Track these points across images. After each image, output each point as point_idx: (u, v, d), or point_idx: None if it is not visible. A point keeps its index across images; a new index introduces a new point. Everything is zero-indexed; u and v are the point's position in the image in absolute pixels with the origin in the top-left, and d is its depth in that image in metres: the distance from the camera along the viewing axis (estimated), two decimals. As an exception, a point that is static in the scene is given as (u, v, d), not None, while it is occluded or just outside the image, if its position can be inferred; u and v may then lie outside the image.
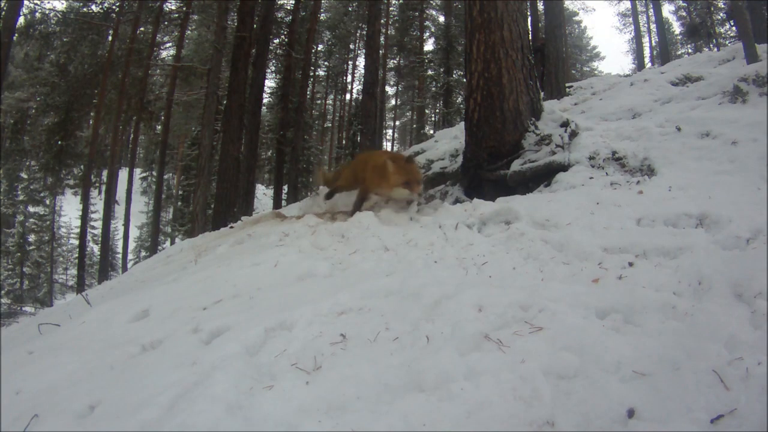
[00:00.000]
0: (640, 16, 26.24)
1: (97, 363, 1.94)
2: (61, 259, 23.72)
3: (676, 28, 26.50)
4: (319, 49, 27.95)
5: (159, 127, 21.50)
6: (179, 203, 24.26)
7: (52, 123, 20.53)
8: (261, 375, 1.61)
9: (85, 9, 18.57)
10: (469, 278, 2.24)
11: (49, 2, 20.82)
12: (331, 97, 32.28)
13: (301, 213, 4.59)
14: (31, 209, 22.24)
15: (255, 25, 13.45)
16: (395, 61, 27.62)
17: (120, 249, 21.36)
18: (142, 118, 20.48)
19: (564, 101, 7.38)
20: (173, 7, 19.40)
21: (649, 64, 22.60)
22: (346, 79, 31.07)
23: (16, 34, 14.16)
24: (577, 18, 31.85)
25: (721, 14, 22.10)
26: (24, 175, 21.91)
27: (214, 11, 15.95)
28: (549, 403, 1.29)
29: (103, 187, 21.04)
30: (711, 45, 22.36)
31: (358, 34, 28.03)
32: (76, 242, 20.45)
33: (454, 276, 2.27)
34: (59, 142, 20.42)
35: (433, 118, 29.94)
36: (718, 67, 6.77)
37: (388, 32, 25.22)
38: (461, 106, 22.44)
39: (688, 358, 1.38)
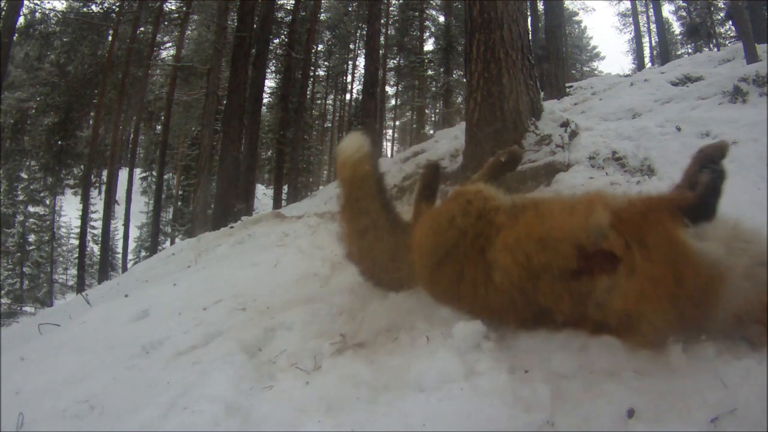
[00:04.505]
0: (640, 16, 26.25)
1: (97, 363, 1.94)
2: (61, 259, 23.70)
3: (676, 28, 26.49)
4: (319, 49, 27.94)
5: (159, 127, 21.52)
6: (179, 203, 24.26)
7: (52, 123, 20.53)
8: (261, 375, 1.61)
9: (85, 9, 18.58)
10: (469, 278, 2.24)
11: (49, 2, 20.83)
12: (331, 97, 32.26)
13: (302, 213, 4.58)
14: (31, 209, 22.22)
15: (255, 25, 13.43)
16: (395, 61, 27.61)
17: (120, 249, 21.34)
18: (142, 118, 20.50)
19: (564, 101, 7.37)
20: (173, 7, 19.40)
21: (649, 64, 22.59)
22: (346, 79, 31.06)
23: (16, 34, 14.15)
24: (577, 18, 31.81)
25: (721, 14, 22.09)
26: (24, 175, 21.89)
27: (214, 11, 15.97)
28: (549, 404, 1.28)
29: (103, 187, 21.04)
30: (711, 45, 22.35)
31: (358, 34, 28.00)
32: (76, 242, 20.43)
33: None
34: (59, 142, 20.42)
35: (433, 118, 29.93)
36: (718, 67, 6.77)
37: (388, 32, 25.21)
38: (461, 106, 22.44)
39: (688, 357, 1.38)
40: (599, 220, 1.40)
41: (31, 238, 22.24)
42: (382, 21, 18.90)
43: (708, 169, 1.43)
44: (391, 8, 25.70)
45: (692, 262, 1.27)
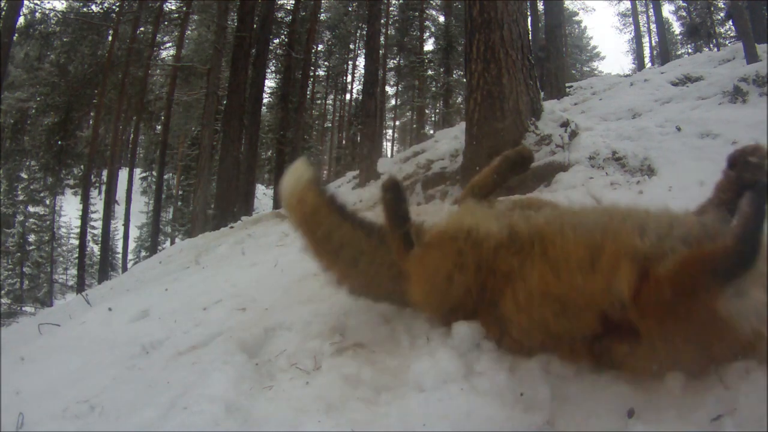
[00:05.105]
0: (640, 16, 26.27)
1: (97, 363, 1.94)
2: (61, 259, 23.72)
3: (676, 28, 26.52)
4: (319, 49, 27.95)
5: (159, 127, 21.54)
6: (179, 203, 24.29)
7: (52, 123, 20.54)
8: (261, 375, 1.61)
9: (85, 9, 18.60)
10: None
11: (49, 2, 20.83)
12: (331, 97, 32.27)
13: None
14: (31, 209, 22.24)
15: (255, 25, 13.44)
16: (395, 61, 27.62)
17: (120, 249, 21.35)
18: (142, 118, 20.51)
19: (564, 101, 7.37)
20: (173, 7, 19.43)
21: (649, 64, 22.59)
22: (346, 79, 31.08)
23: (16, 34, 14.16)
24: (577, 18, 31.84)
25: (721, 14, 22.10)
26: (24, 175, 21.92)
27: (214, 11, 15.96)
28: (549, 404, 1.28)
29: (103, 187, 21.04)
30: (711, 45, 22.36)
31: (358, 34, 28.01)
32: (76, 242, 20.44)
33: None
34: (59, 142, 20.44)
35: (433, 118, 29.94)
36: (718, 67, 6.77)
37: (388, 32, 25.21)
38: (461, 106, 22.45)
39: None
40: (623, 288, 1.21)
41: (31, 238, 22.25)
42: (382, 21, 18.88)
43: (748, 198, 1.12)
44: (391, 8, 25.69)
45: (727, 337, 1.14)
